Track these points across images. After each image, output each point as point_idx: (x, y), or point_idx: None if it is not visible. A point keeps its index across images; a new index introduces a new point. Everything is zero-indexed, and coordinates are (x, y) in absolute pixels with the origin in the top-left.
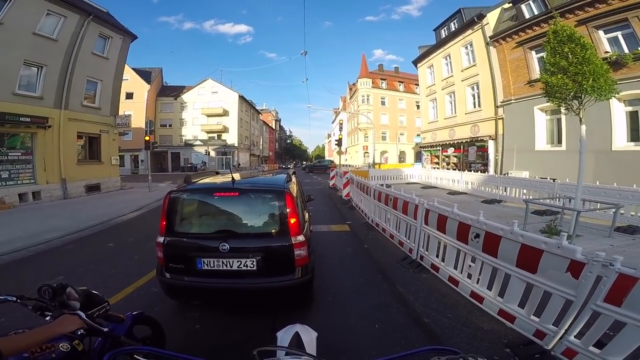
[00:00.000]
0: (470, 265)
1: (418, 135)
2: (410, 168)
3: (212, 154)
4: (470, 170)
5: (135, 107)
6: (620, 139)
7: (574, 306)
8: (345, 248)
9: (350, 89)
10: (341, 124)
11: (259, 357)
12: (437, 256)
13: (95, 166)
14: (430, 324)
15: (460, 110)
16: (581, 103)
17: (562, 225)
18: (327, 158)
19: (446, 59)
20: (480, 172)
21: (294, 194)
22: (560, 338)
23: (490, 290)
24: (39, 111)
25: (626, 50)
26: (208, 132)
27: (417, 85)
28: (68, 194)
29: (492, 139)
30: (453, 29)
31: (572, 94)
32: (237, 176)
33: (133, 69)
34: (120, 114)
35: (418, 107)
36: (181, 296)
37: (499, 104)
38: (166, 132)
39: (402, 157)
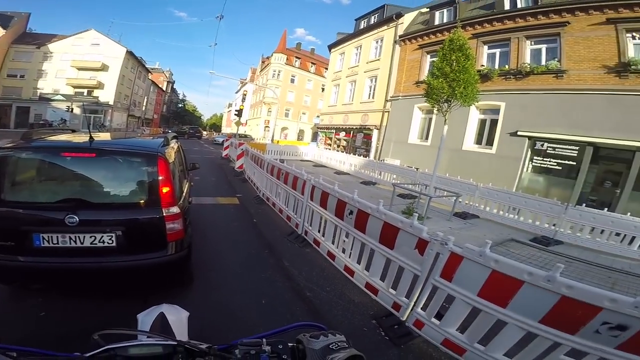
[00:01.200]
0: (344, 240)
1: (317, 116)
2: (306, 147)
3: (77, 111)
4: (356, 154)
5: None
6: (469, 141)
7: (419, 280)
8: (232, 222)
9: (263, 62)
10: (245, 94)
11: (103, 341)
12: (319, 231)
13: None
14: (311, 298)
15: (357, 99)
16: (449, 106)
17: (418, 208)
18: (224, 128)
19: (357, 49)
20: (363, 156)
21: (170, 160)
22: (411, 310)
23: (359, 264)
24: None
25: (496, 66)
26: (75, 87)
27: (327, 69)
28: None
29: (377, 129)
30: (372, 22)
31: (445, 97)
32: (103, 135)
33: None
34: None
35: (323, 89)
36: (13, 280)
37: (388, 98)
38: (15, 83)
39: (300, 136)
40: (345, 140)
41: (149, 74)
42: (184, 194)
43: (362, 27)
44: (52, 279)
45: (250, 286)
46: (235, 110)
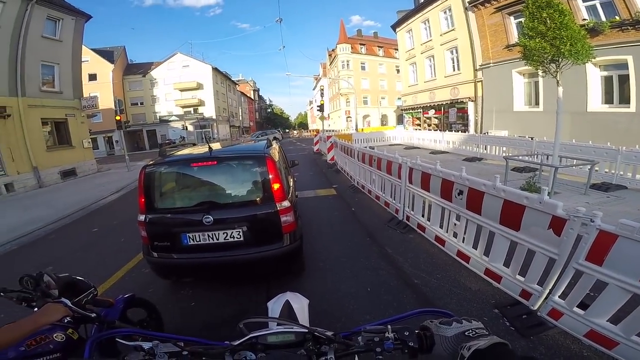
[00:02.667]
0: (455, 224)
1: (399, 98)
2: (393, 130)
3: (190, 128)
4: (452, 131)
5: (101, 88)
6: (595, 102)
7: (557, 265)
8: (332, 212)
9: (330, 55)
10: (322, 90)
11: (246, 329)
12: (423, 215)
13: (67, 151)
14: (420, 285)
15: (440, 74)
16: (558, 66)
17: (540, 182)
18: (310, 125)
19: (425, 24)
20: (462, 132)
21: (276, 159)
22: (545, 298)
23: (476, 249)
24: None
25: (603, 18)
26: (183, 107)
27: (397, 49)
28: (43, 182)
29: (472, 101)
30: None
31: (549, 57)
32: (216, 145)
33: (92, 49)
34: (85, 96)
35: (398, 71)
36: (171, 275)
37: (477, 67)
38: (138, 110)
39: (384, 121)
40: (435, 117)
41: (236, 85)
42: (291, 189)
43: (422, 0)
44: (199, 272)
45: (355, 274)
46: (317, 106)
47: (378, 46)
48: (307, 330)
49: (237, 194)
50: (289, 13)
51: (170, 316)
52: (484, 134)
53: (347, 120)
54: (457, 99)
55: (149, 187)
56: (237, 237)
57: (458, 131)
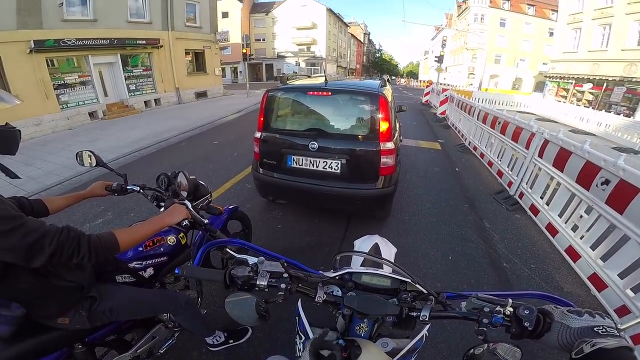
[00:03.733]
0: (581, 216)
1: (545, 63)
2: (526, 97)
3: (302, 64)
4: (610, 112)
5: (231, 25)
6: None
7: None
8: (432, 167)
9: (460, 6)
10: (444, 40)
11: (339, 262)
12: (542, 197)
13: (202, 77)
14: (507, 270)
15: (615, 45)
16: None
17: None
18: (421, 75)
19: None
20: (625, 116)
21: (389, 99)
22: None
23: (593, 251)
24: (151, 34)
25: None
26: (298, 45)
27: (554, 11)
28: (181, 100)
29: None
30: None
31: None
32: (332, 79)
33: None
34: (219, 31)
35: (551, 34)
36: (270, 193)
37: None
38: (260, 45)
39: (517, 84)
40: (591, 92)
41: (348, 27)
42: (397, 133)
43: None
44: (293, 196)
45: (440, 238)
46: (435, 57)
47: (528, 4)
48: (410, 280)
49: (345, 127)
50: None
51: (257, 233)
52: None
53: (468, 77)
54: (632, 77)
55: (268, 108)
56: (334, 169)
57: (619, 114)
